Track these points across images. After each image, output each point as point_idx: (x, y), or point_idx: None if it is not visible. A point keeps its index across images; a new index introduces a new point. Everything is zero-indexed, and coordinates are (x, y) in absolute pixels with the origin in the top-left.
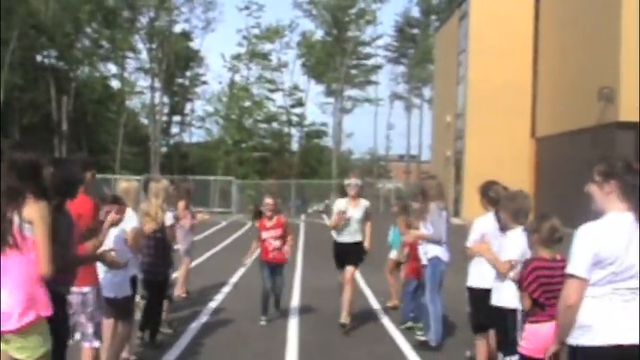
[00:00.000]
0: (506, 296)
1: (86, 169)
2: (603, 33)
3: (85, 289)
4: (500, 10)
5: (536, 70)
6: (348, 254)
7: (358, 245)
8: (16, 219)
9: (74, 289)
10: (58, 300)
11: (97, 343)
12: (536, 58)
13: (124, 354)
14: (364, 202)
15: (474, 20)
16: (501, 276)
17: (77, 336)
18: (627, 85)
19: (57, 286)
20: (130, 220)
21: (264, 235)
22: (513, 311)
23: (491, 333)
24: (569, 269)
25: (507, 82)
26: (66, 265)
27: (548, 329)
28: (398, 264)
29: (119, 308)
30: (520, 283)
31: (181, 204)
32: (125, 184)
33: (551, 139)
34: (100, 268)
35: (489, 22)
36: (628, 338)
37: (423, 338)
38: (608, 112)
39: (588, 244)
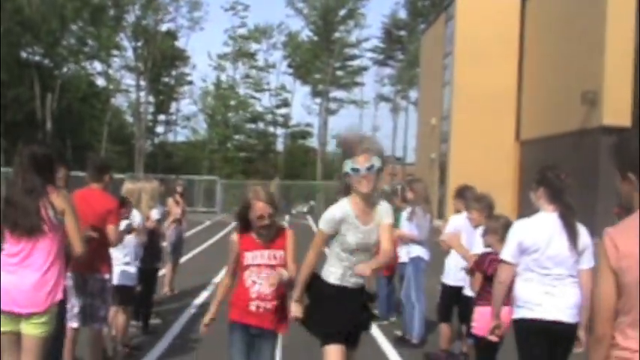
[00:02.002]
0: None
1: (104, 172)
2: (588, 37)
3: (107, 275)
4: (487, 13)
5: (521, 74)
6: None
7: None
8: (50, 210)
9: (96, 275)
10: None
11: (105, 327)
12: (521, 62)
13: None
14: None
15: (460, 23)
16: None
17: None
18: (611, 90)
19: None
20: (136, 218)
21: (249, 261)
22: None
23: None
24: (501, 255)
25: (493, 86)
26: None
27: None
28: None
29: (122, 296)
30: (476, 267)
31: (170, 200)
32: (132, 185)
33: (535, 143)
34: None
35: (475, 26)
36: (556, 316)
37: (400, 334)
38: (592, 117)
39: (515, 236)
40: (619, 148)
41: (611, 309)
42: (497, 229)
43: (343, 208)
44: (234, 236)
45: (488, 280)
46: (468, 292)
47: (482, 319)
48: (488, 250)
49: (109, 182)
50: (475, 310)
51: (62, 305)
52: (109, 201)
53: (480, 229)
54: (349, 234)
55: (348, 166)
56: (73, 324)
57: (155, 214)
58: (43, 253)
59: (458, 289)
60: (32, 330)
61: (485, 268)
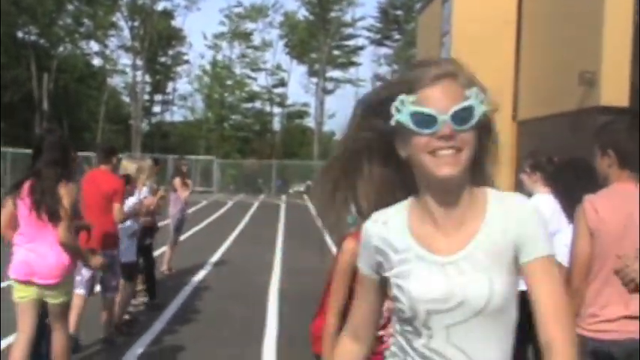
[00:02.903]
0: None
1: (112, 154)
2: (586, 17)
3: (115, 251)
4: None
5: (518, 54)
6: None
7: None
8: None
9: (106, 251)
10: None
11: (117, 294)
12: (518, 42)
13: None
14: None
15: (457, 3)
16: None
17: (97, 288)
18: (609, 70)
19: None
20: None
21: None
22: None
23: None
24: None
25: (490, 66)
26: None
27: None
28: None
29: (124, 271)
30: None
31: (177, 180)
32: (135, 164)
33: (532, 123)
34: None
35: (472, 5)
36: None
37: None
38: (590, 97)
39: None
40: (604, 127)
41: (586, 265)
42: None
43: (391, 221)
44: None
45: None
46: None
47: None
48: None
49: (116, 164)
50: None
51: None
52: (114, 181)
53: None
54: (411, 279)
55: (401, 112)
56: (80, 291)
57: (144, 192)
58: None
59: None
60: (53, 300)
61: None
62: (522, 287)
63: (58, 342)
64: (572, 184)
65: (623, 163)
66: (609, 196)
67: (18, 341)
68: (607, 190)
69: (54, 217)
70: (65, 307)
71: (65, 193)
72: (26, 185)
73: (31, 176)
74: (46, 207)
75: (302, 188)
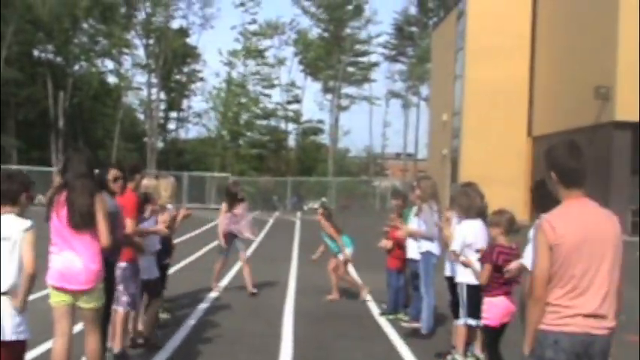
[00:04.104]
0: (460, 273)
1: (135, 172)
2: (601, 32)
3: (123, 264)
4: (498, 8)
5: (533, 69)
6: None
7: None
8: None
9: (120, 263)
10: (109, 267)
11: (127, 309)
12: (533, 57)
13: (140, 326)
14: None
15: (471, 19)
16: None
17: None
18: (624, 85)
19: (109, 256)
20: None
21: None
22: (462, 284)
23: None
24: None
25: (504, 81)
26: (115, 241)
27: (502, 302)
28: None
29: (148, 288)
30: (485, 260)
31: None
32: (153, 181)
33: (547, 138)
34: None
35: (486, 21)
36: None
37: (406, 325)
38: (605, 112)
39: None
40: (546, 152)
41: (546, 277)
42: (502, 222)
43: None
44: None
45: (498, 271)
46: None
47: (491, 310)
48: (494, 242)
49: (139, 181)
50: (485, 301)
51: (111, 284)
52: (127, 197)
53: (463, 224)
54: None
55: None
56: (120, 308)
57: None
58: (90, 242)
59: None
60: (85, 305)
61: (494, 259)
62: (448, 273)
63: (90, 345)
64: (541, 204)
65: (567, 181)
66: (563, 212)
67: (56, 344)
68: (560, 207)
69: (87, 225)
70: (97, 312)
71: (99, 201)
72: (59, 198)
73: (61, 189)
74: (80, 216)
75: (317, 205)
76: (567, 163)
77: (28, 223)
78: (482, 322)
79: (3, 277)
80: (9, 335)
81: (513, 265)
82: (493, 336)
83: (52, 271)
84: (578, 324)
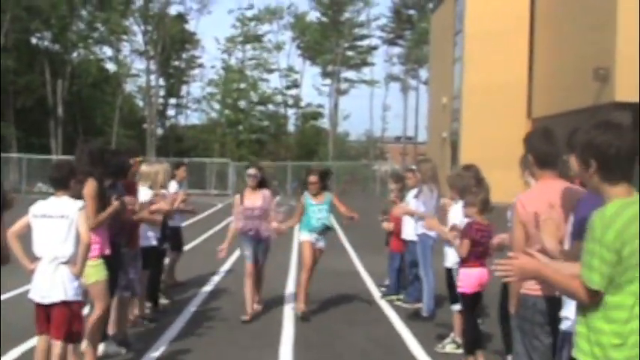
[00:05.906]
0: (451, 259)
1: (133, 157)
2: (599, 13)
3: (123, 250)
4: None
5: (532, 51)
6: None
7: None
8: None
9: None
10: (116, 248)
11: (126, 294)
12: (532, 39)
13: (137, 311)
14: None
15: (470, 1)
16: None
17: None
18: (623, 66)
19: (116, 238)
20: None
21: None
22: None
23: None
24: None
25: (503, 63)
26: (122, 223)
27: (478, 273)
28: None
29: (143, 255)
30: (464, 235)
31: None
32: (149, 168)
33: (547, 120)
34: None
35: (485, 3)
36: None
37: (408, 305)
38: (604, 93)
39: None
40: (525, 137)
41: (522, 247)
42: (476, 202)
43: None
44: None
45: (474, 245)
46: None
47: (467, 279)
48: (470, 219)
49: (137, 165)
50: (460, 272)
51: (117, 264)
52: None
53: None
54: None
55: None
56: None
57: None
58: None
59: None
60: (87, 279)
61: (473, 234)
62: (448, 265)
63: (92, 316)
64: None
65: (542, 163)
66: (533, 192)
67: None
68: (532, 187)
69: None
70: (98, 286)
71: (87, 186)
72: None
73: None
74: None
75: None
76: (541, 147)
77: (80, 203)
78: (458, 290)
79: (62, 249)
80: (71, 296)
81: (496, 240)
82: (469, 303)
83: None
84: (552, 289)
